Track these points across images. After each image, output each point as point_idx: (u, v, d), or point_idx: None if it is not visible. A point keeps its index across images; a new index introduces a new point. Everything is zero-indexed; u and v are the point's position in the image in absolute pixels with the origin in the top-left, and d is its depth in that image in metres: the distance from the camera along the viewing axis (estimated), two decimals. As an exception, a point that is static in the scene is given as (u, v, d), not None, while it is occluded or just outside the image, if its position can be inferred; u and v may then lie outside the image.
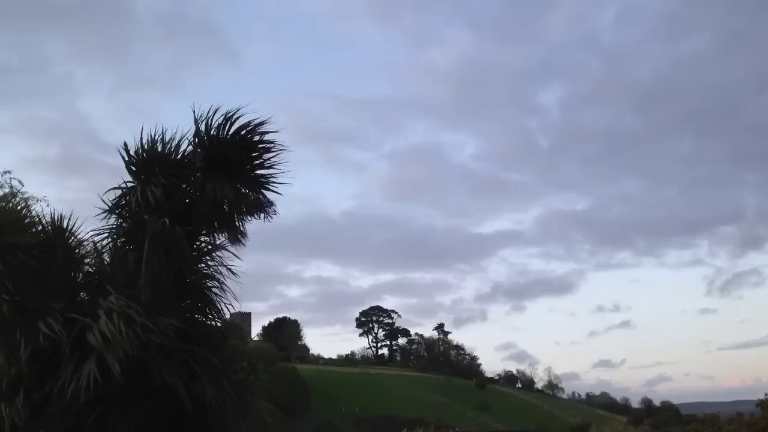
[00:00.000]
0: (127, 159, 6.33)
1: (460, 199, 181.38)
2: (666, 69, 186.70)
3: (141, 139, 6.30)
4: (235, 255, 6.51)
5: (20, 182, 13.54)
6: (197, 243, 6.53)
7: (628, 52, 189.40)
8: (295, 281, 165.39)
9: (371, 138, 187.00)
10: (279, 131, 6.39)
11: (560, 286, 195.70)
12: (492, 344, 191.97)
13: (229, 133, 6.31)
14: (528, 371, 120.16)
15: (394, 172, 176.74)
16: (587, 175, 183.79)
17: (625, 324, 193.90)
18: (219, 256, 6.51)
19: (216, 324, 6.56)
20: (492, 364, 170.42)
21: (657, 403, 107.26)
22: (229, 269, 6.46)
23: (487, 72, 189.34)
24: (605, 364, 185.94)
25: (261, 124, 6.32)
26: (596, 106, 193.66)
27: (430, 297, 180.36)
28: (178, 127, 6.35)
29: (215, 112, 6.27)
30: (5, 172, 13.46)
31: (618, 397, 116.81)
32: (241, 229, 6.49)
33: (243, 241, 6.50)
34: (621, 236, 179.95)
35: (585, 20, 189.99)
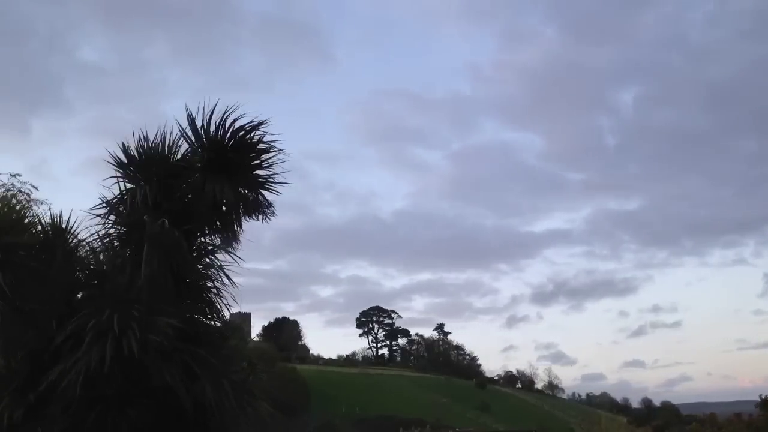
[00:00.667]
0: (126, 159, 6.34)
1: (515, 198, 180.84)
2: (743, 68, 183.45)
3: (141, 138, 6.31)
4: (236, 256, 6.52)
5: (34, 186, 13.50)
6: (196, 243, 6.54)
7: (712, 52, 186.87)
8: (331, 281, 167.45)
9: (441, 137, 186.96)
10: (277, 133, 6.40)
11: (604, 287, 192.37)
12: (531, 344, 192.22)
13: (228, 133, 6.32)
14: (528, 371, 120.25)
15: (456, 172, 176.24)
16: (647, 175, 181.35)
17: (665, 323, 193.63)
18: (217, 259, 6.51)
19: (216, 324, 6.56)
20: (522, 363, 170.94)
21: (657, 403, 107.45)
22: (225, 273, 6.44)
23: (567, 71, 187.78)
24: (637, 364, 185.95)
25: (260, 124, 6.33)
26: (669, 105, 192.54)
27: (461, 297, 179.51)
28: (178, 127, 6.35)
29: (213, 111, 6.27)
30: (14, 175, 13.44)
31: (634, 397, 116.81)
32: (237, 229, 6.49)
33: (238, 242, 6.50)
34: (668, 236, 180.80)
35: (675, 20, 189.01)
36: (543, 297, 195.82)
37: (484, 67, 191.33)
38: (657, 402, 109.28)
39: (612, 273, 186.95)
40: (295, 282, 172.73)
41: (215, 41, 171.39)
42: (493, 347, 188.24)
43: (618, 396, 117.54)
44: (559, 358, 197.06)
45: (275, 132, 6.41)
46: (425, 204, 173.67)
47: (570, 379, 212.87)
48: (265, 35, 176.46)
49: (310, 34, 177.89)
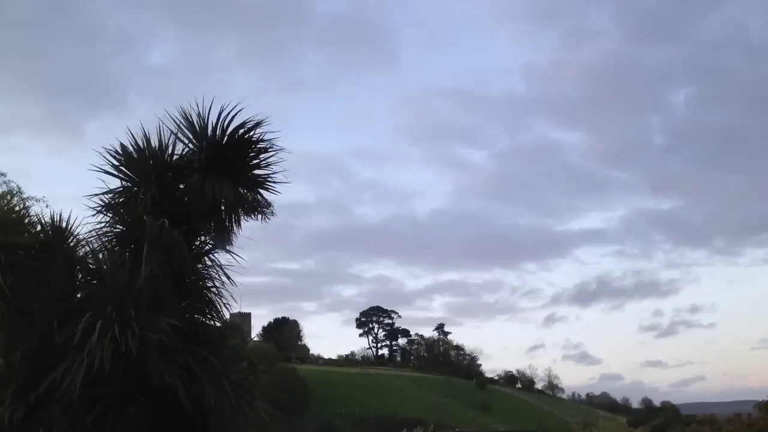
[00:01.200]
0: (125, 159, 6.33)
1: (554, 198, 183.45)
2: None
3: (141, 138, 6.31)
4: (236, 255, 6.52)
5: (18, 186, 13.56)
6: (196, 243, 6.54)
7: None
8: (355, 281, 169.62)
9: (489, 136, 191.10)
10: (277, 131, 6.40)
11: (635, 286, 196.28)
12: (558, 343, 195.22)
13: (227, 132, 6.32)
14: (528, 371, 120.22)
15: (499, 171, 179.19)
16: (689, 174, 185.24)
17: (694, 323, 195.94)
18: (217, 258, 6.51)
19: (215, 324, 6.57)
20: (547, 362, 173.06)
21: (657, 403, 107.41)
22: (225, 273, 6.44)
23: (624, 70, 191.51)
24: (657, 364, 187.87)
25: (258, 123, 6.33)
26: (719, 105, 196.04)
27: (481, 297, 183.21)
28: (177, 126, 6.34)
29: (210, 110, 6.27)
30: (1, 174, 13.47)
31: (649, 397, 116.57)
32: (233, 229, 6.49)
33: (232, 242, 6.50)
34: (703, 235, 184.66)
35: (739, 22, 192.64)
36: (570, 297, 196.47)
37: (542, 66, 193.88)
38: (657, 402, 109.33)
39: (643, 273, 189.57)
40: (321, 281, 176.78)
41: (282, 42, 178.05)
42: (516, 347, 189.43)
43: (636, 396, 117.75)
44: (583, 358, 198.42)
45: (274, 131, 6.40)
46: (462, 203, 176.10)
47: (587, 378, 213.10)
48: (333, 35, 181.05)
49: (377, 34, 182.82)
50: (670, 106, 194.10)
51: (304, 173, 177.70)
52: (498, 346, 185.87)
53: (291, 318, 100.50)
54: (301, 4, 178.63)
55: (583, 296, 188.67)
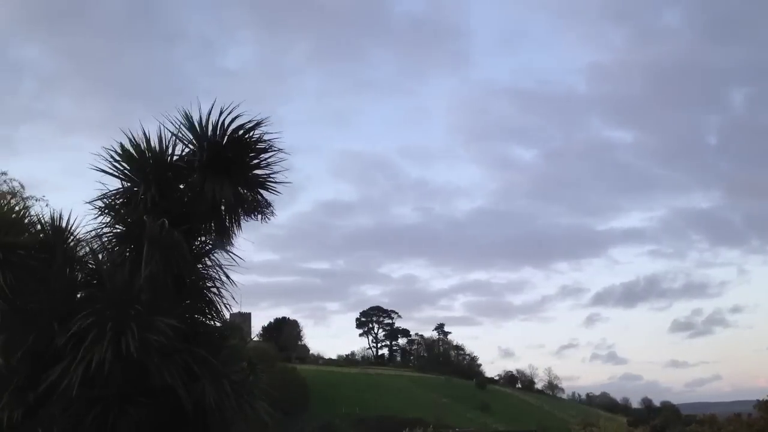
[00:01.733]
0: (125, 158, 6.33)
1: (599, 196, 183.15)
2: None
3: (141, 138, 6.30)
4: (235, 255, 6.52)
5: (21, 184, 13.61)
6: (196, 243, 6.54)
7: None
8: (383, 280, 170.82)
9: (543, 135, 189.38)
10: (278, 132, 6.40)
11: (669, 286, 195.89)
12: (589, 343, 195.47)
13: (227, 132, 6.32)
14: (528, 371, 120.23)
15: (546, 170, 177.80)
16: (737, 173, 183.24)
17: (727, 323, 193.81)
18: (217, 258, 6.51)
19: (215, 324, 6.57)
20: (575, 363, 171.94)
21: (657, 403, 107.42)
22: (225, 273, 6.44)
23: (688, 70, 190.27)
24: (678, 365, 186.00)
25: (258, 123, 6.33)
26: None
27: (506, 296, 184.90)
28: (177, 126, 6.34)
29: (211, 110, 6.26)
30: (2, 173, 13.49)
31: (647, 397, 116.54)
32: (233, 230, 6.49)
33: (232, 243, 6.50)
34: (741, 235, 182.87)
35: None
36: (603, 296, 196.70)
37: (606, 65, 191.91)
38: (657, 402, 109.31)
39: (679, 272, 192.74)
40: (349, 281, 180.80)
41: (355, 42, 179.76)
42: (545, 345, 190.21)
43: (656, 396, 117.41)
44: (611, 358, 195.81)
45: (274, 131, 6.41)
46: (505, 202, 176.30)
47: (606, 378, 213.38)
48: (407, 36, 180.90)
49: (450, 34, 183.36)
50: (728, 106, 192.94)
51: (351, 172, 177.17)
52: (521, 345, 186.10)
53: (291, 318, 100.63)
54: (382, 4, 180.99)
55: (616, 296, 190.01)
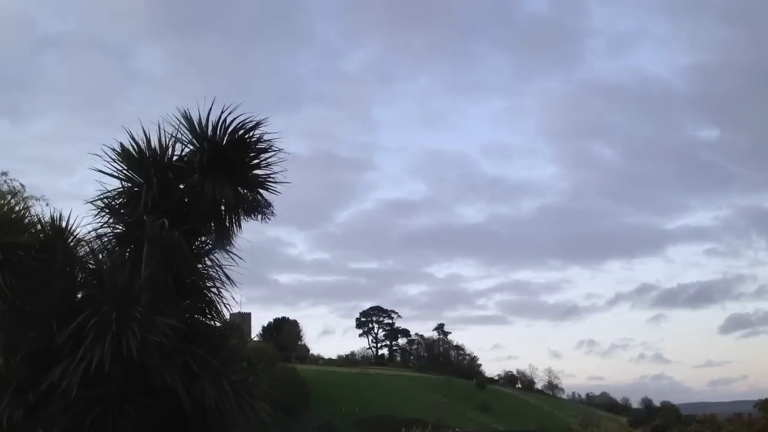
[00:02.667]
0: (125, 158, 6.33)
1: (670, 195, 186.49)
2: None
3: (142, 138, 6.30)
4: (237, 256, 6.51)
5: (21, 185, 13.62)
6: (196, 243, 6.53)
7: None
8: (426, 280, 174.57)
9: (629, 133, 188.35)
10: (277, 132, 6.40)
11: (723, 285, 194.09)
12: (637, 344, 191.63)
13: (227, 132, 6.32)
14: (528, 371, 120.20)
15: (625, 168, 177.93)
16: None
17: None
18: (216, 259, 6.51)
19: (215, 324, 6.56)
20: (622, 364, 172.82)
21: (657, 403, 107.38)
22: (225, 273, 6.43)
23: None
24: (711, 364, 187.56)
25: (258, 124, 6.32)
26: None
27: (541, 296, 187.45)
28: (178, 126, 6.34)
29: (210, 110, 6.26)
30: (3, 173, 13.48)
31: (647, 397, 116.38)
32: (233, 230, 6.48)
33: (232, 243, 6.49)
34: None
35: None
36: (652, 296, 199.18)
37: (710, 64, 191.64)
38: (657, 402, 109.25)
39: (732, 271, 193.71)
40: (394, 280, 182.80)
41: (467, 42, 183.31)
42: (590, 345, 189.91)
43: (678, 397, 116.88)
44: (656, 359, 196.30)
45: (273, 131, 6.40)
46: (573, 201, 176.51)
47: (638, 377, 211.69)
48: (526, 37, 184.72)
49: (568, 35, 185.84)
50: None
51: (427, 171, 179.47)
52: (564, 346, 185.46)
53: (291, 318, 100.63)
54: (508, 5, 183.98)
55: (669, 295, 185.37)
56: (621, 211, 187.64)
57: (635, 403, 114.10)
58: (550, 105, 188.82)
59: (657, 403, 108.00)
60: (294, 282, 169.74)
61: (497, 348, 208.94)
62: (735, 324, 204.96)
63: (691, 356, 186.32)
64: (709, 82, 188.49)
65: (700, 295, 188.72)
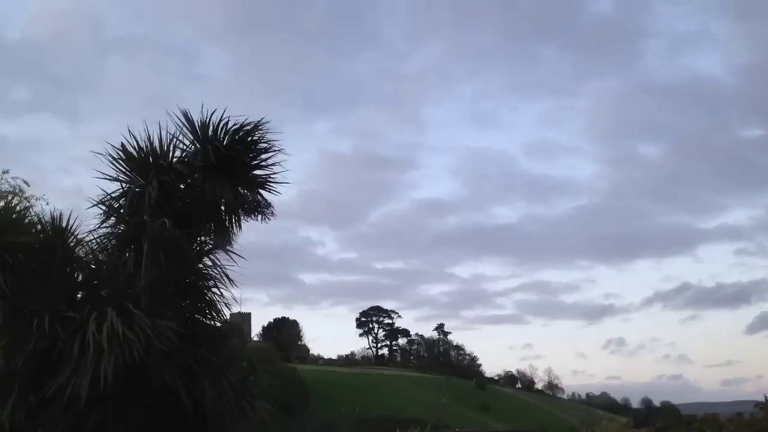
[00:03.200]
0: (126, 158, 6.33)
1: (709, 194, 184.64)
2: None
3: (142, 139, 6.30)
4: (236, 255, 6.51)
5: (25, 182, 13.66)
6: (197, 243, 6.54)
7: None
8: (449, 279, 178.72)
9: (675, 132, 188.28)
10: (277, 132, 6.40)
11: (753, 286, 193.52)
12: (662, 345, 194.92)
13: (228, 132, 6.32)
14: (528, 371, 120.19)
15: (666, 167, 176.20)
16: None
17: None
18: (217, 259, 6.50)
19: (216, 324, 6.57)
20: (646, 364, 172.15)
21: (657, 403, 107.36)
22: (225, 273, 6.43)
23: None
24: (729, 363, 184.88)
25: (259, 124, 6.33)
26: None
27: (563, 295, 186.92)
28: (179, 126, 6.34)
29: (211, 111, 6.27)
30: (5, 172, 13.48)
31: (647, 397, 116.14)
32: (233, 230, 6.48)
33: (232, 243, 6.49)
34: None
35: None
36: (677, 296, 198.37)
37: (766, 64, 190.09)
38: (657, 402, 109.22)
39: (763, 271, 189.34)
40: (418, 280, 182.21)
41: (530, 42, 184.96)
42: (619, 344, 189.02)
43: (688, 396, 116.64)
44: (680, 359, 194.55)
45: (274, 131, 6.41)
46: (609, 200, 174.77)
47: (655, 376, 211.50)
48: (585, 35, 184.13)
49: (631, 35, 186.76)
50: None
51: (467, 170, 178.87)
52: (596, 346, 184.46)
53: (291, 318, 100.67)
54: (576, 3, 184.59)
55: (700, 295, 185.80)
56: (656, 210, 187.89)
57: (635, 403, 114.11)
58: (600, 104, 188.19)
59: (657, 402, 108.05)
60: (317, 281, 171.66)
61: (525, 348, 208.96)
62: (763, 323, 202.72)
63: (712, 356, 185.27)
64: (761, 81, 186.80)
65: (731, 296, 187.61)
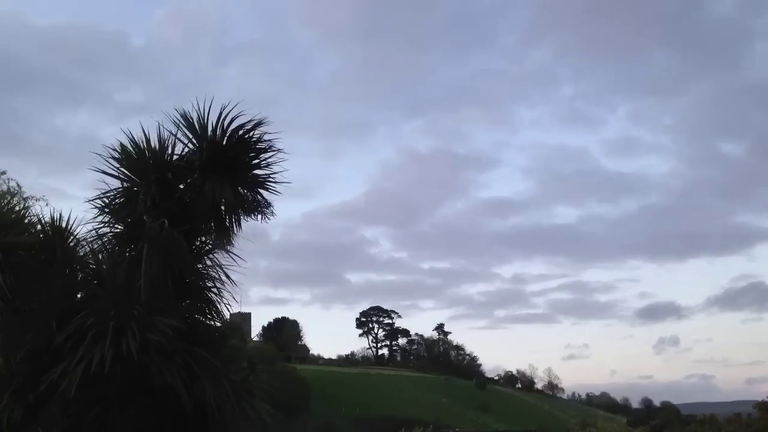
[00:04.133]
0: (125, 158, 6.33)
1: None
2: None
3: (141, 138, 6.30)
4: (236, 255, 6.51)
5: (18, 184, 13.68)
6: (196, 243, 6.54)
7: None
8: (491, 279, 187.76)
9: (762, 131, 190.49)
10: (278, 132, 6.40)
11: None
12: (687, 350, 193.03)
13: (228, 131, 6.31)
14: (528, 371, 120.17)
15: (743, 166, 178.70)
16: None
17: None
18: (216, 259, 6.51)
19: (216, 324, 6.56)
20: (684, 363, 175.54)
21: (657, 403, 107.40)
22: (225, 273, 6.44)
23: None
24: (759, 363, 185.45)
25: (259, 123, 6.32)
26: None
27: (594, 295, 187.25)
28: (178, 125, 6.33)
29: (210, 109, 6.25)
30: (1, 173, 13.51)
31: (647, 397, 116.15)
32: (233, 230, 6.48)
33: (232, 242, 6.49)
34: None
35: None
36: (743, 297, 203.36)
37: None
38: (657, 402, 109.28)
39: None
40: (460, 280, 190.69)
41: (645, 43, 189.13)
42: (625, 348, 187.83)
43: (708, 396, 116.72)
44: (721, 360, 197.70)
45: (275, 131, 6.40)
46: (680, 200, 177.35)
47: (684, 375, 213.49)
48: (700, 36, 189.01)
49: (742, 35, 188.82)
50: None
51: (539, 169, 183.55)
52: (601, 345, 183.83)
53: (291, 318, 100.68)
54: (698, 4, 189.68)
55: (760, 295, 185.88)
56: (723, 208, 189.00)
57: (635, 403, 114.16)
58: (698, 104, 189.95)
59: (657, 403, 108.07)
60: (362, 281, 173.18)
61: (568, 347, 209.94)
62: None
63: (746, 355, 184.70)
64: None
65: None
